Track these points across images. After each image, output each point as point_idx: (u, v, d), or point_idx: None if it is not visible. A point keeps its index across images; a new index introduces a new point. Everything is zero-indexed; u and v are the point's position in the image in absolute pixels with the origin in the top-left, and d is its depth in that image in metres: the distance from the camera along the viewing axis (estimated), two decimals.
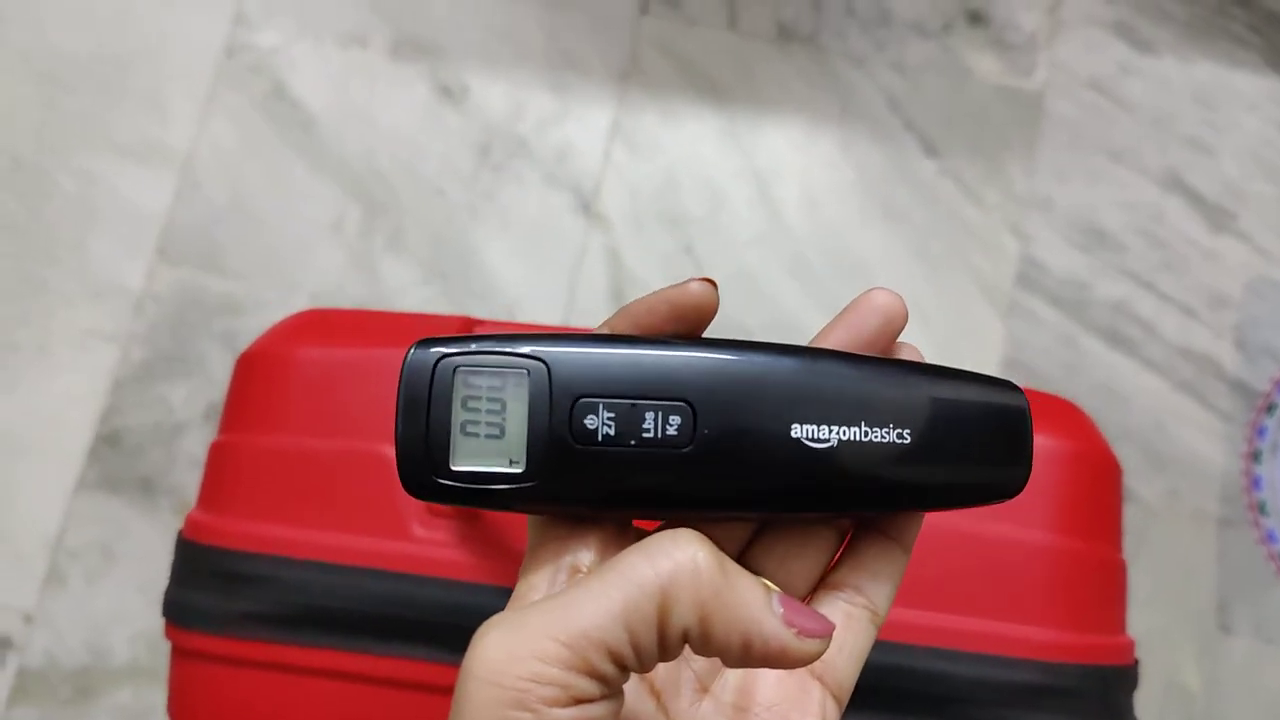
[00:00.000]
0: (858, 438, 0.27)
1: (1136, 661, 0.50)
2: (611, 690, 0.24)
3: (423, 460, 0.27)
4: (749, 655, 0.24)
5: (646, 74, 0.94)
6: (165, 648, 0.61)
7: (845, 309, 0.28)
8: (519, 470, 0.26)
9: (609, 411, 0.26)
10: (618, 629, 0.23)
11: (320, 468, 0.49)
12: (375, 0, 0.95)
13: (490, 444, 0.27)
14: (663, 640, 0.23)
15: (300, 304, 0.89)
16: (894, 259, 0.90)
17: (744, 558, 0.29)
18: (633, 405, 0.27)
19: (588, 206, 0.91)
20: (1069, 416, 0.54)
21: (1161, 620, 0.82)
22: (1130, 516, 0.85)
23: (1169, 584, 0.84)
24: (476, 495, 0.27)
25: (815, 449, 0.27)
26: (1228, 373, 0.88)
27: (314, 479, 0.49)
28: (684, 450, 0.26)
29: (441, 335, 0.27)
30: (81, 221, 0.91)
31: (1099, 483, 0.52)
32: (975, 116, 0.93)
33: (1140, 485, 0.86)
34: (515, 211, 0.91)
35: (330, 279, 0.89)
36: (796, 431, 0.27)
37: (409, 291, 0.89)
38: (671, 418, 0.27)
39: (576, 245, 0.90)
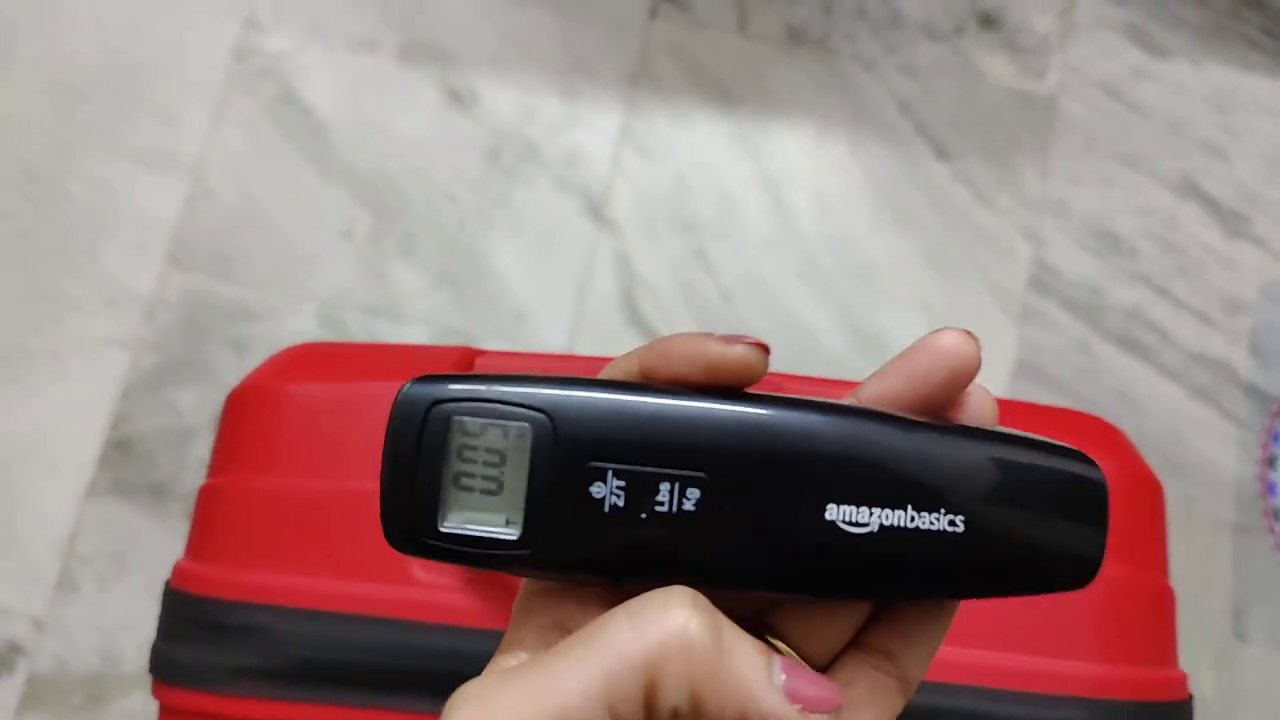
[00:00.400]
0: (902, 523, 0.24)
1: (1190, 696, 0.47)
2: None
3: (409, 515, 0.24)
4: None
5: (656, 78, 0.94)
6: None
7: (906, 352, 0.24)
8: (514, 535, 0.24)
9: (619, 479, 0.24)
10: (597, 710, 0.20)
11: (315, 509, 0.47)
12: (385, 5, 0.95)
13: (485, 500, 0.24)
14: (647, 716, 0.21)
15: (311, 310, 0.89)
16: (905, 263, 0.90)
17: (762, 615, 0.26)
18: (646, 473, 0.24)
19: (597, 211, 0.91)
20: (1106, 436, 0.51)
21: (1177, 628, 0.81)
22: None
23: (1184, 591, 0.83)
24: (468, 557, 0.25)
25: (852, 534, 0.24)
26: (1242, 378, 0.88)
27: (309, 521, 0.47)
28: (701, 527, 0.24)
29: (438, 373, 0.25)
30: (93, 228, 0.91)
31: (1142, 505, 0.49)
32: (987, 120, 0.93)
33: None
34: (525, 216, 0.91)
35: (340, 285, 0.89)
36: (832, 513, 0.24)
37: (419, 297, 0.89)
38: (689, 490, 0.24)
39: (586, 250, 0.90)
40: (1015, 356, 0.88)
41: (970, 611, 0.45)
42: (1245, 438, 0.87)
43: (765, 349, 0.24)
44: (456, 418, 0.24)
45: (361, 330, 0.88)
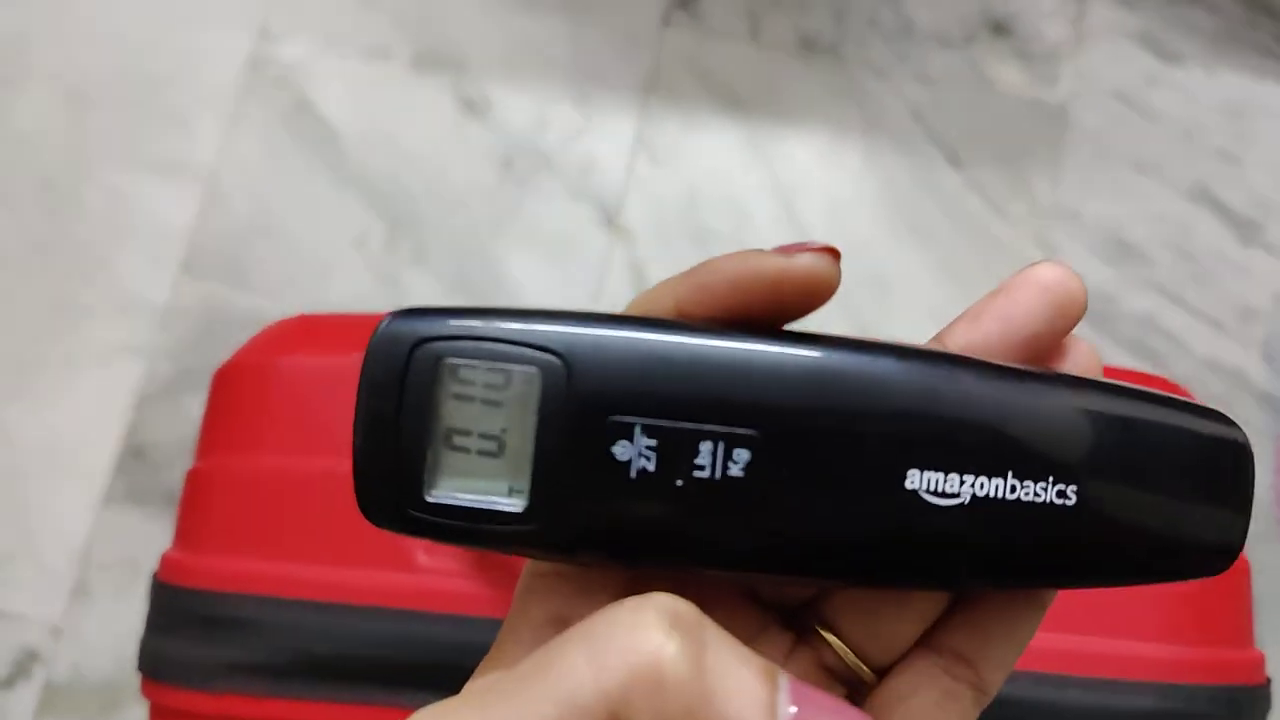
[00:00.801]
0: (1001, 494, 0.19)
1: (1268, 680, 0.43)
2: None
3: (390, 482, 0.20)
4: None
5: (669, 86, 0.94)
6: None
7: (997, 290, 0.21)
8: (518, 507, 0.19)
9: (649, 438, 0.19)
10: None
11: (310, 491, 0.43)
12: (397, 13, 0.96)
13: (484, 464, 0.20)
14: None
15: None
16: (918, 272, 0.90)
17: (819, 606, 0.22)
18: (684, 430, 0.19)
19: (611, 220, 0.91)
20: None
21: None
22: None
23: None
24: (461, 533, 0.20)
25: (939, 507, 0.19)
26: (1256, 386, 0.88)
27: (303, 504, 0.43)
28: (751, 498, 0.19)
29: (425, 306, 0.20)
30: (107, 237, 0.91)
31: None
32: (1000, 128, 0.93)
33: None
34: (538, 225, 0.91)
35: (354, 294, 0.89)
36: (913, 481, 0.19)
37: None
38: (737, 451, 0.19)
39: (600, 258, 0.90)
40: None
41: None
42: (1259, 446, 0.87)
43: (836, 254, 0.20)
44: (447, 360, 0.20)
45: None
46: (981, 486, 0.19)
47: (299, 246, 0.91)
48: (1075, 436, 0.19)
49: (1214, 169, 0.92)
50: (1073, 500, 0.19)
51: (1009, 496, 0.19)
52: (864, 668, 0.21)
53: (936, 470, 0.19)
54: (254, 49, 0.95)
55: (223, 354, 0.88)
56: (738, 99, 0.94)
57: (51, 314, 0.90)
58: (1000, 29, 0.95)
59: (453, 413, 0.20)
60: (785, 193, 0.92)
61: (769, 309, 0.20)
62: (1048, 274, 0.20)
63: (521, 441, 0.19)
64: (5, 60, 0.95)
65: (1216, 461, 0.20)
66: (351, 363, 0.43)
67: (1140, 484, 0.20)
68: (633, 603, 0.17)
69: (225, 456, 0.46)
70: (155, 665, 0.44)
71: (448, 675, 0.41)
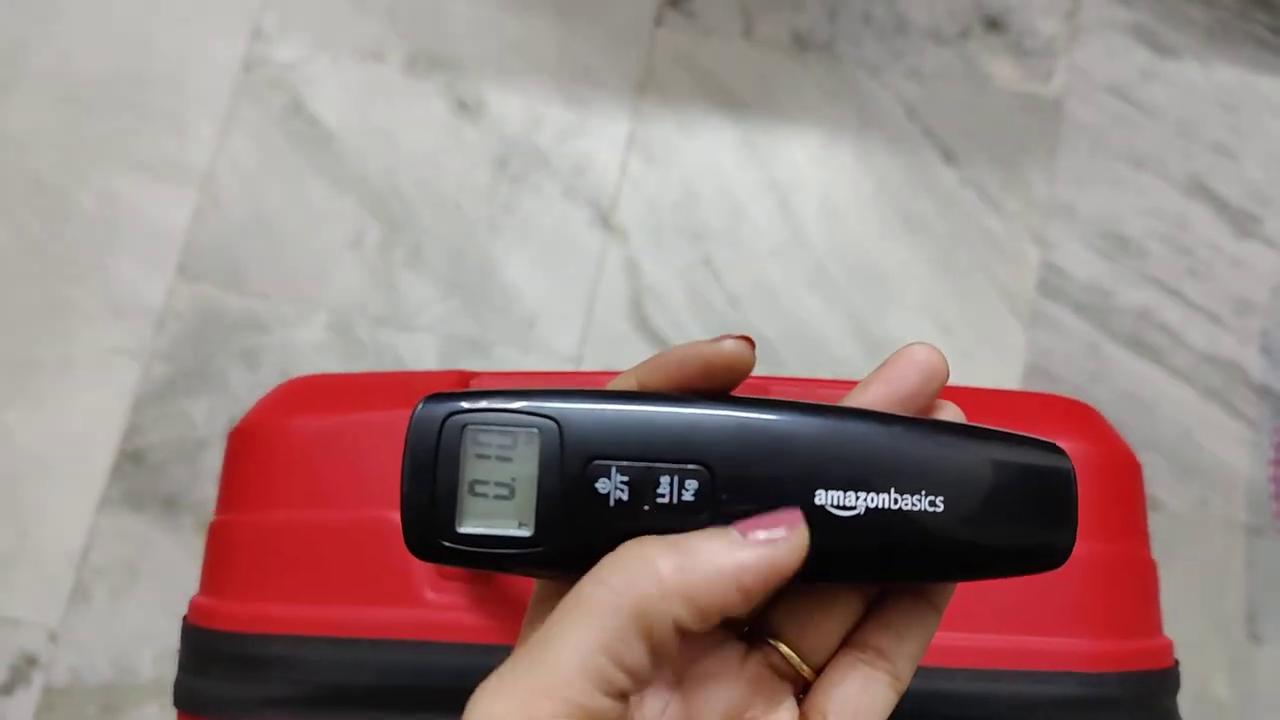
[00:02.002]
0: (887, 505, 0.26)
1: (1176, 662, 0.50)
2: (625, 702, 0.24)
3: (428, 521, 0.26)
4: (748, 596, 0.24)
5: (662, 85, 0.94)
6: None
7: (882, 364, 0.27)
8: (527, 534, 0.26)
9: (622, 475, 0.26)
10: (603, 662, 0.23)
11: (324, 539, 0.48)
12: (391, 15, 0.96)
13: (499, 505, 0.26)
14: (655, 647, 0.23)
15: (321, 320, 0.89)
16: (915, 268, 0.90)
17: (765, 617, 0.28)
18: (647, 468, 0.26)
19: (606, 219, 0.91)
20: (1084, 418, 0.54)
21: (1191, 631, 0.81)
22: (1158, 525, 0.84)
23: (1198, 594, 0.83)
24: (483, 558, 0.26)
25: (840, 517, 0.25)
26: (1254, 379, 0.87)
27: (319, 552, 0.48)
28: (701, 516, 0.25)
29: (449, 390, 0.27)
30: (103, 240, 0.91)
31: (1121, 483, 0.51)
32: (994, 124, 0.93)
33: (1167, 494, 0.85)
34: (533, 225, 0.91)
35: (350, 294, 0.89)
36: (821, 498, 0.25)
37: (429, 306, 0.89)
38: (688, 482, 0.26)
39: (595, 258, 0.90)
40: (1025, 360, 0.88)
41: (964, 596, 0.46)
42: (1257, 439, 0.86)
43: (751, 341, 0.26)
44: (470, 428, 0.26)
45: (371, 340, 0.88)
46: (872, 500, 0.26)
47: (294, 248, 0.91)
48: (940, 461, 0.26)
49: (1210, 162, 0.92)
50: (941, 508, 0.26)
51: (893, 506, 0.26)
52: (805, 666, 0.27)
53: (838, 489, 0.26)
54: (248, 51, 0.95)
55: (219, 355, 0.88)
56: (731, 97, 0.94)
57: (47, 317, 0.90)
58: (994, 24, 0.95)
59: (475, 467, 0.26)
60: (780, 191, 0.92)
61: (706, 381, 0.27)
62: (919, 352, 0.27)
63: (528, 485, 0.26)
64: (0, 63, 0.95)
65: (1047, 482, 0.26)
66: (354, 422, 0.50)
67: (990, 496, 0.26)
68: (620, 548, 0.24)
69: (243, 511, 0.51)
70: (190, 702, 0.48)
71: (456, 699, 0.45)
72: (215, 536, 0.52)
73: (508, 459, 0.26)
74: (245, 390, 0.87)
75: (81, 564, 0.84)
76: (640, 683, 0.23)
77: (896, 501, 0.26)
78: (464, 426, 0.26)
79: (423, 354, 0.88)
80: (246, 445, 0.52)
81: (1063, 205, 0.91)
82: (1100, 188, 0.91)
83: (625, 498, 0.25)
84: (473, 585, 0.47)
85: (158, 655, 0.83)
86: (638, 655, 0.23)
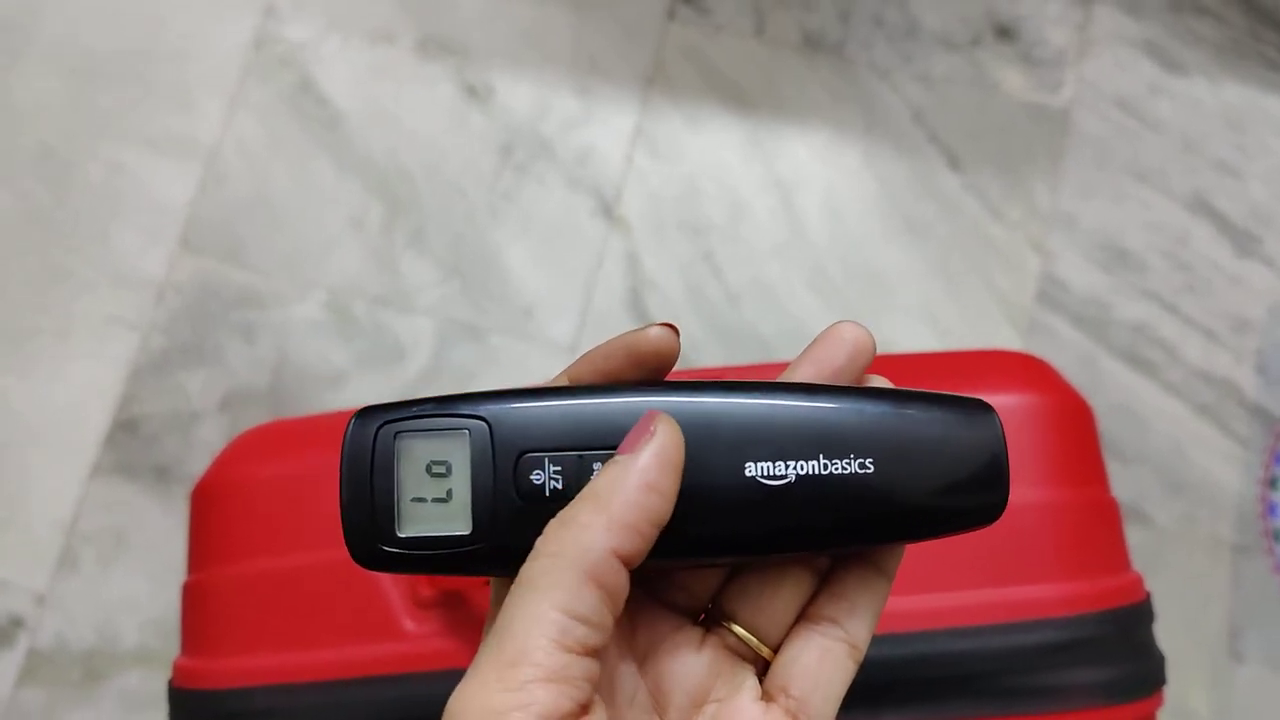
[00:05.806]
0: (816, 471, 0.26)
1: (1149, 594, 0.50)
2: (594, 658, 0.24)
3: (370, 530, 0.26)
4: (662, 493, 0.25)
5: (671, 79, 0.94)
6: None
7: (811, 344, 0.28)
8: (466, 532, 0.26)
9: (555, 465, 0.26)
10: (558, 617, 0.23)
11: (297, 584, 0.48)
12: None
13: (436, 508, 0.26)
14: (606, 589, 0.24)
15: (319, 298, 0.89)
16: (914, 273, 0.90)
17: (718, 601, 0.29)
18: (579, 456, 0.26)
19: (608, 210, 0.91)
20: (1035, 371, 0.54)
21: (1173, 646, 0.81)
22: (1145, 540, 0.84)
23: (1181, 609, 0.83)
24: (427, 561, 0.26)
25: (772, 487, 0.26)
26: (1247, 398, 0.88)
27: (294, 598, 0.48)
28: None
29: (380, 403, 0.27)
30: (106, 211, 0.92)
31: (1075, 428, 0.51)
32: (1001, 131, 0.93)
33: (1156, 509, 0.85)
34: (536, 213, 0.91)
35: (350, 274, 0.90)
36: (751, 470, 0.26)
37: (428, 289, 0.89)
38: None
39: (596, 248, 0.90)
40: None
41: (933, 557, 0.46)
42: (1248, 457, 0.86)
43: (675, 329, 0.27)
44: (402, 436, 0.26)
45: (369, 320, 0.89)
46: (802, 467, 0.26)
47: (297, 225, 0.91)
48: (866, 424, 0.26)
49: (1214, 180, 0.92)
50: (871, 469, 0.26)
51: (823, 472, 0.26)
52: (763, 646, 0.28)
53: (766, 460, 0.26)
54: (260, 28, 0.95)
55: (217, 329, 0.88)
56: (739, 95, 0.94)
57: (47, 285, 0.90)
58: (1005, 33, 0.95)
59: (410, 473, 0.26)
60: (784, 190, 0.92)
61: (636, 370, 0.27)
62: (846, 330, 0.28)
63: (463, 485, 0.26)
64: (10, 33, 0.95)
65: (977, 438, 0.27)
66: (312, 465, 0.49)
67: (920, 456, 0.26)
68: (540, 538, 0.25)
69: (215, 567, 0.51)
70: None
71: None
72: (190, 596, 0.52)
73: (441, 461, 0.26)
74: (242, 365, 0.88)
75: (71, 530, 0.85)
76: (601, 630, 0.24)
77: (826, 467, 0.26)
78: (396, 435, 0.26)
79: (419, 337, 0.88)
80: (209, 503, 0.52)
81: (1065, 216, 0.91)
82: (1103, 200, 0.91)
83: (560, 487, 0.26)
84: (447, 610, 0.47)
85: (142, 623, 0.83)
86: (590, 603, 0.23)
